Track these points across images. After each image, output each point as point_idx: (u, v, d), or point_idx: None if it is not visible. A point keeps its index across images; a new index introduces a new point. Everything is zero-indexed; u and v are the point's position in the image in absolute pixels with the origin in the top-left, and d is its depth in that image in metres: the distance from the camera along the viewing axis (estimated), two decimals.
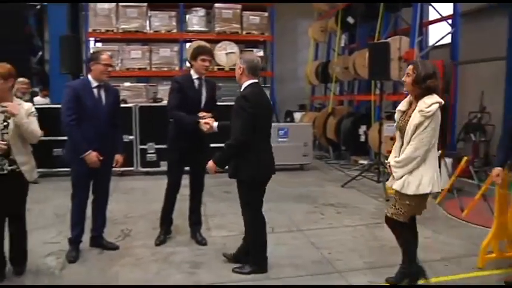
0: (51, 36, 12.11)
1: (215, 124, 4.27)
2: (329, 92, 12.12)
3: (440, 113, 3.45)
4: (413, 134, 3.39)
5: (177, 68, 11.17)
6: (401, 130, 3.55)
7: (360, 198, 6.84)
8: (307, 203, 6.51)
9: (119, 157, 4.50)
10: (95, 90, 4.25)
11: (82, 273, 4.06)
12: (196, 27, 11.60)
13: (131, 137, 8.21)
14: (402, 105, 3.65)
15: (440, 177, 3.63)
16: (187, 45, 11.30)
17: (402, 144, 3.55)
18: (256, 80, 3.96)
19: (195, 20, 11.62)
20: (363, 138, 9.78)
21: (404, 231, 3.63)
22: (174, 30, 11.34)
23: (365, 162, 9.21)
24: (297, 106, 14.25)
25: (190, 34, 11.56)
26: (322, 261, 4.33)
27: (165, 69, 11.24)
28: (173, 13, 11.40)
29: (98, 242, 4.61)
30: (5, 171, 3.67)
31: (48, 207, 6.11)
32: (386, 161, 4.13)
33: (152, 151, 8.37)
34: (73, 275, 4.02)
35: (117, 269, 4.12)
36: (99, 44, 12.01)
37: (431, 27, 10.64)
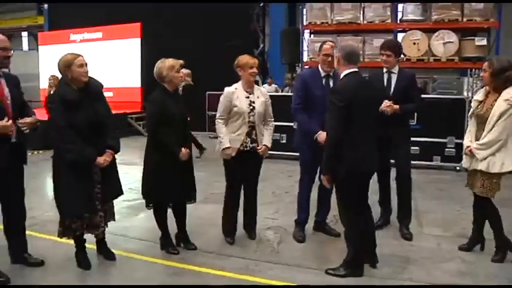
0: (272, 30, 13.23)
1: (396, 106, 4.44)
2: None
3: None
4: (498, 120, 3.81)
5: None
6: (480, 117, 3.99)
7: None
8: None
9: None
10: (324, 80, 4.40)
11: (297, 251, 4.40)
12: (411, 16, 11.15)
13: None
14: (479, 96, 4.10)
15: None
16: (401, 35, 10.98)
17: (477, 130, 4.02)
18: (355, 69, 3.67)
19: (410, 8, 11.18)
20: None
21: (492, 205, 4.06)
22: (388, 21, 11.12)
23: None
24: None
25: (405, 24, 11.18)
26: None
27: (378, 60, 11.10)
28: (387, 3, 11.19)
29: (322, 227, 4.81)
30: (248, 148, 4.36)
31: (268, 186, 6.69)
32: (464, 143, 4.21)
33: None
34: (289, 251, 4.39)
35: (330, 252, 4.33)
36: (312, 36, 12.57)
37: None
